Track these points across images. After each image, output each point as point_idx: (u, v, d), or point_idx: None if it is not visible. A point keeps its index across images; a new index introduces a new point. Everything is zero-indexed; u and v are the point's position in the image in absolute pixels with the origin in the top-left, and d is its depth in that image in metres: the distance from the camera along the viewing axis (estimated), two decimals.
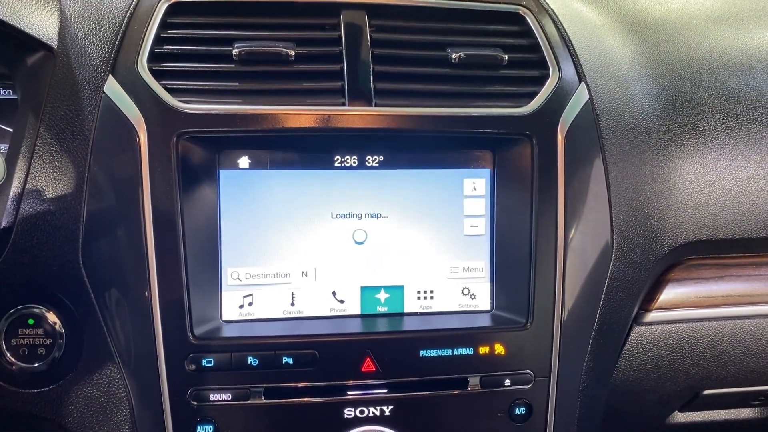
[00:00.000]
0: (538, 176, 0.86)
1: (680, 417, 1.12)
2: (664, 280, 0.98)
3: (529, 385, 0.87)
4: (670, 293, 0.98)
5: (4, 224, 0.77)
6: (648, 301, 0.98)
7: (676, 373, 1.00)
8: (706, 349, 0.99)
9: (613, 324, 0.93)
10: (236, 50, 0.82)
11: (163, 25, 0.83)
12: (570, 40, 0.94)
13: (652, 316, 0.97)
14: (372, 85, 0.84)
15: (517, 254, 0.87)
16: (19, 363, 0.79)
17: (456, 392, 0.85)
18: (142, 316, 0.79)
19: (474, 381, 0.85)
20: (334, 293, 0.87)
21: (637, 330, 0.97)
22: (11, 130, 0.83)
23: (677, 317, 0.98)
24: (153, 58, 0.82)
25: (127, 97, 0.80)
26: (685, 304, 0.99)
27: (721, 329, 0.99)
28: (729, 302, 1.00)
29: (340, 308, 0.87)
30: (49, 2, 0.81)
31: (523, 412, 0.87)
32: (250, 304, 0.85)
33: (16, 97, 0.87)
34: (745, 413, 1.16)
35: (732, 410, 1.15)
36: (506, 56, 0.88)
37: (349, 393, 0.83)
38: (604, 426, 0.98)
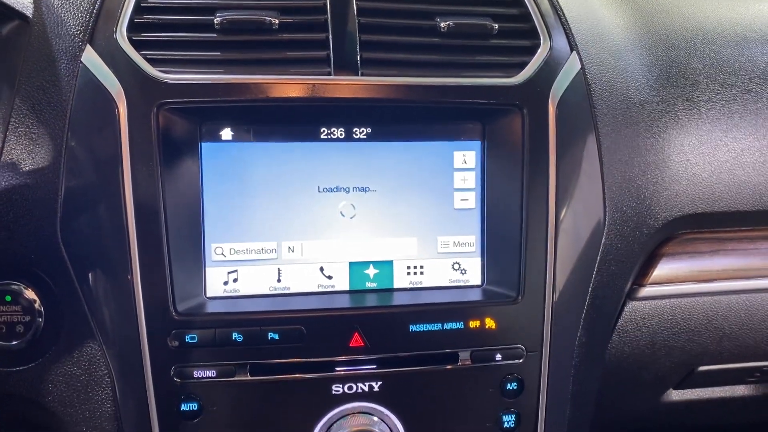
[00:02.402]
0: (529, 147, 0.84)
1: (675, 395, 1.10)
2: (658, 254, 0.97)
3: (521, 360, 0.85)
4: (664, 268, 0.97)
5: None
6: (642, 276, 0.96)
7: (671, 349, 0.98)
8: (702, 325, 0.98)
9: (606, 298, 0.91)
10: (218, 19, 0.80)
11: None
12: (561, 9, 0.92)
13: (646, 291, 0.96)
14: (358, 55, 0.82)
15: (508, 228, 0.86)
16: None
17: (446, 367, 0.84)
18: (123, 293, 0.78)
19: (464, 356, 0.84)
20: (321, 269, 0.85)
21: (631, 305, 0.95)
22: None
23: (672, 292, 0.97)
24: (132, 27, 0.80)
25: (106, 67, 0.78)
26: (680, 278, 0.97)
27: (716, 304, 0.98)
28: (724, 276, 0.98)
29: (328, 284, 0.85)
30: None
31: (515, 388, 0.85)
32: (235, 280, 0.83)
33: None
34: (740, 390, 1.15)
35: (727, 387, 1.13)
36: (496, 25, 0.86)
37: (337, 369, 0.82)
38: (599, 403, 0.97)
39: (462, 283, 0.87)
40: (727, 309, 0.98)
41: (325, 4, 0.83)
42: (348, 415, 0.82)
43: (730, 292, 0.98)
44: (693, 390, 1.12)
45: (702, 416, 1.20)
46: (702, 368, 1.04)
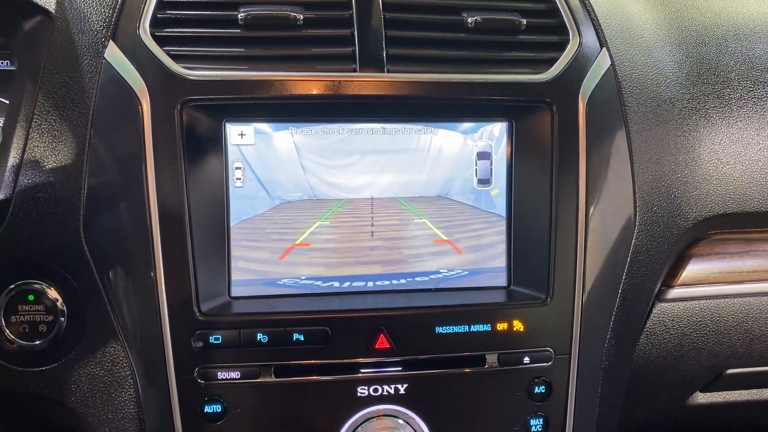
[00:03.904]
0: (558, 146, 0.82)
1: (701, 397, 1.08)
2: (687, 255, 0.95)
3: (549, 363, 0.83)
4: (693, 269, 0.95)
5: (1, 196, 0.74)
6: (671, 277, 0.94)
7: (699, 352, 0.96)
8: (731, 327, 0.96)
9: (636, 300, 0.89)
10: (242, 14, 0.78)
11: None
12: (590, 5, 0.90)
13: (675, 292, 0.94)
14: (384, 51, 0.80)
15: (536, 228, 0.84)
16: (19, 341, 0.77)
17: (473, 370, 0.82)
18: (147, 292, 0.77)
19: (492, 358, 0.82)
20: (347, 268, 0.84)
21: (660, 307, 0.94)
22: (7, 102, 0.79)
23: (701, 294, 0.95)
24: (155, 23, 0.79)
25: (129, 63, 0.77)
26: (709, 280, 0.95)
27: (747, 306, 0.96)
28: (755, 278, 0.96)
29: (353, 284, 0.84)
30: None
31: (543, 391, 0.84)
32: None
33: (13, 68, 0.84)
34: None
35: (754, 390, 1.11)
36: (524, 21, 0.84)
37: (362, 371, 0.81)
38: (625, 406, 0.95)
39: (489, 284, 0.86)
40: (758, 311, 0.96)
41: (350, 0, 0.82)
42: (373, 417, 0.81)
43: (760, 293, 0.96)
44: (719, 393, 1.09)
45: (728, 418, 1.17)
46: (730, 371, 1.02)
